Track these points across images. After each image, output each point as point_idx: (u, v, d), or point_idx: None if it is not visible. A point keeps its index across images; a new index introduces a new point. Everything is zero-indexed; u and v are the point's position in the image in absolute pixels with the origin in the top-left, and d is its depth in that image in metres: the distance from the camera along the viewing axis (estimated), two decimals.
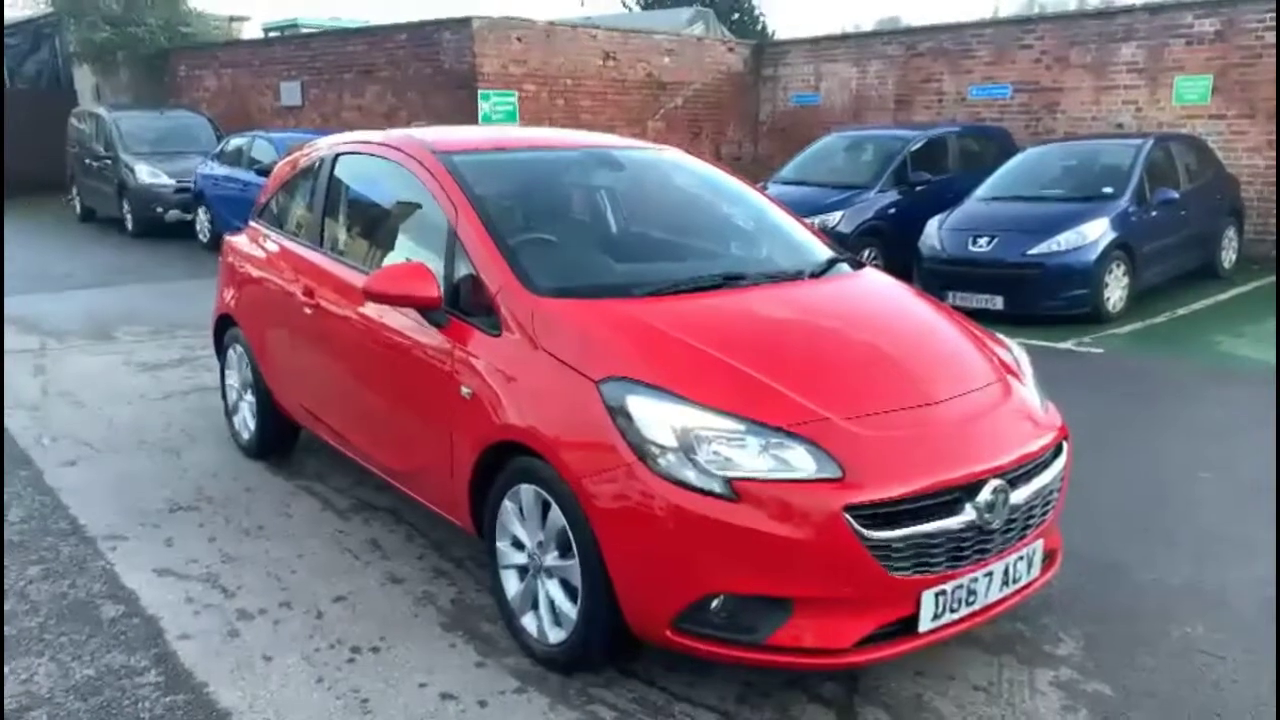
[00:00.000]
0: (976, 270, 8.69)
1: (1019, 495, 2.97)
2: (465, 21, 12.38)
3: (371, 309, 3.78)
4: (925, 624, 2.81)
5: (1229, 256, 10.46)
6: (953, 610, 2.87)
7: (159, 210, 13.44)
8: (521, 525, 3.17)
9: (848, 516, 2.66)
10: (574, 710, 2.96)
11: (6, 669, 3.16)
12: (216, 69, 16.73)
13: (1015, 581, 3.04)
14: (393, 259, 3.86)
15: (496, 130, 5.29)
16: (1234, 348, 7.77)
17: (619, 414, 2.81)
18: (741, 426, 2.75)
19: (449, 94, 12.78)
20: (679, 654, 2.88)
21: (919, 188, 10.55)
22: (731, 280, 3.54)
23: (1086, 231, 8.50)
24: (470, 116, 12.48)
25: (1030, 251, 8.48)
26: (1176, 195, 9.14)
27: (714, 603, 2.74)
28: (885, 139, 11.24)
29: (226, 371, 5.31)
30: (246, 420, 5.09)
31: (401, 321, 3.62)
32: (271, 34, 19.36)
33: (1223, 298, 9.58)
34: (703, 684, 3.05)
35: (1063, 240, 8.45)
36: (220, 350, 5.35)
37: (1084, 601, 3.65)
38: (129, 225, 13.79)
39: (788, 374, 2.98)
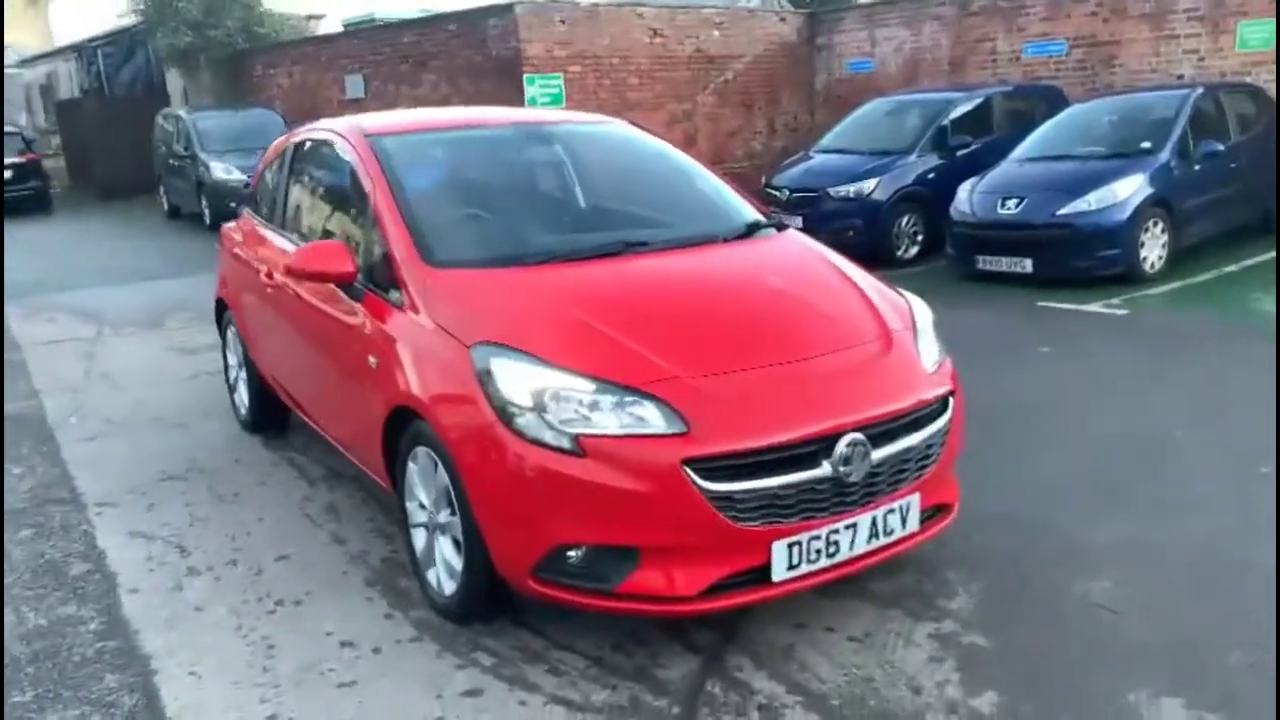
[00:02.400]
0: (1005, 233, 8.49)
1: (886, 450, 3.01)
2: (508, 8, 12.58)
3: (312, 287, 4.01)
4: (779, 574, 2.89)
5: None
6: (810, 561, 2.93)
7: (232, 204, 14.05)
8: (422, 486, 3.35)
9: (687, 470, 2.76)
10: (458, 657, 3.14)
11: None
12: (288, 66, 17.39)
13: (888, 534, 3.08)
14: (323, 236, 4.08)
15: (440, 112, 5.43)
16: (1270, 307, 7.42)
17: (484, 376, 2.96)
18: (593, 386, 2.87)
19: (496, 80, 13.03)
20: (555, 605, 3.03)
21: (960, 152, 10.30)
22: (634, 247, 3.64)
23: (1118, 189, 8.20)
24: (517, 101, 12.71)
25: (1060, 212, 8.24)
26: (1221, 148, 8.72)
27: (570, 553, 2.88)
28: (926, 103, 11.00)
29: (227, 352, 5.65)
30: (243, 397, 5.43)
31: (329, 297, 3.84)
32: (350, 29, 19.98)
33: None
34: (586, 634, 3.19)
35: (1093, 199, 8.18)
36: (222, 332, 5.69)
37: (999, 557, 3.65)
38: (206, 219, 14.52)
39: (653, 336, 3.08)
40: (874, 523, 3.03)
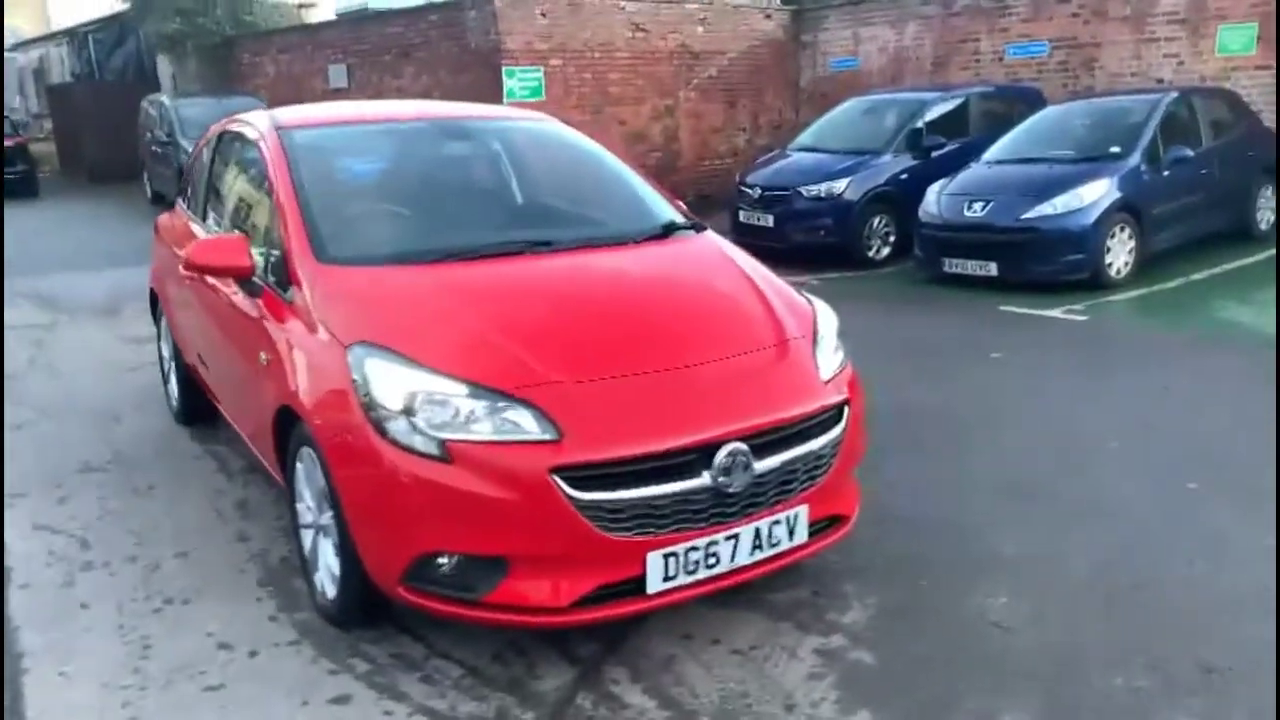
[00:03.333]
0: (970, 235, 8.41)
1: (770, 461, 2.94)
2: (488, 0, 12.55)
3: (218, 280, 3.94)
4: (654, 585, 2.82)
5: (1266, 216, 9.81)
6: (689, 572, 2.86)
7: None
8: (308, 486, 3.29)
9: (555, 478, 2.69)
10: (334, 663, 3.07)
11: None
12: (274, 55, 17.32)
13: (774, 546, 3.01)
14: (236, 229, 4.02)
15: (357, 106, 5.34)
16: (1235, 315, 7.33)
17: (358, 377, 2.89)
18: (465, 390, 2.80)
19: (475, 72, 12.95)
20: (427, 614, 2.96)
21: (935, 153, 10.20)
22: (537, 247, 3.57)
23: (1084, 194, 8.12)
24: (496, 94, 12.63)
25: (1024, 216, 8.16)
26: (1191, 154, 8.63)
27: (440, 560, 2.81)
28: (902, 102, 10.91)
29: (160, 343, 5.59)
30: (173, 388, 5.37)
31: (232, 291, 3.78)
32: (336, 19, 19.88)
33: (1248, 261, 9.01)
34: (467, 643, 3.12)
35: (1059, 203, 8.10)
36: (156, 322, 5.63)
37: (900, 568, 3.58)
38: None
39: (537, 339, 3.02)
40: (758, 534, 2.96)
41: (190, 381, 5.07)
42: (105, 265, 10.83)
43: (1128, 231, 8.31)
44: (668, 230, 3.91)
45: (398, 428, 2.78)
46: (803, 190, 10.04)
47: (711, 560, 2.90)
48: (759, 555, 2.99)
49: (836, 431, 3.16)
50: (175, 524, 4.13)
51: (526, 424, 2.77)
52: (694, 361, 3.05)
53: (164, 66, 20.60)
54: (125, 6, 20.52)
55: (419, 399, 2.78)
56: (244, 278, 3.59)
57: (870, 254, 10.00)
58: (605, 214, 4.05)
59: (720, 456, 2.82)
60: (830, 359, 3.33)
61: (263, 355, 3.43)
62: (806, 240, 10.04)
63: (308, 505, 3.32)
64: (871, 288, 8.94)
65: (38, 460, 4.92)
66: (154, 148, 15.84)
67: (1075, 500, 4.12)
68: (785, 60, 15.10)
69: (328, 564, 3.19)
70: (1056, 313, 7.44)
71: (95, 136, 20.54)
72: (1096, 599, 3.34)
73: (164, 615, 3.39)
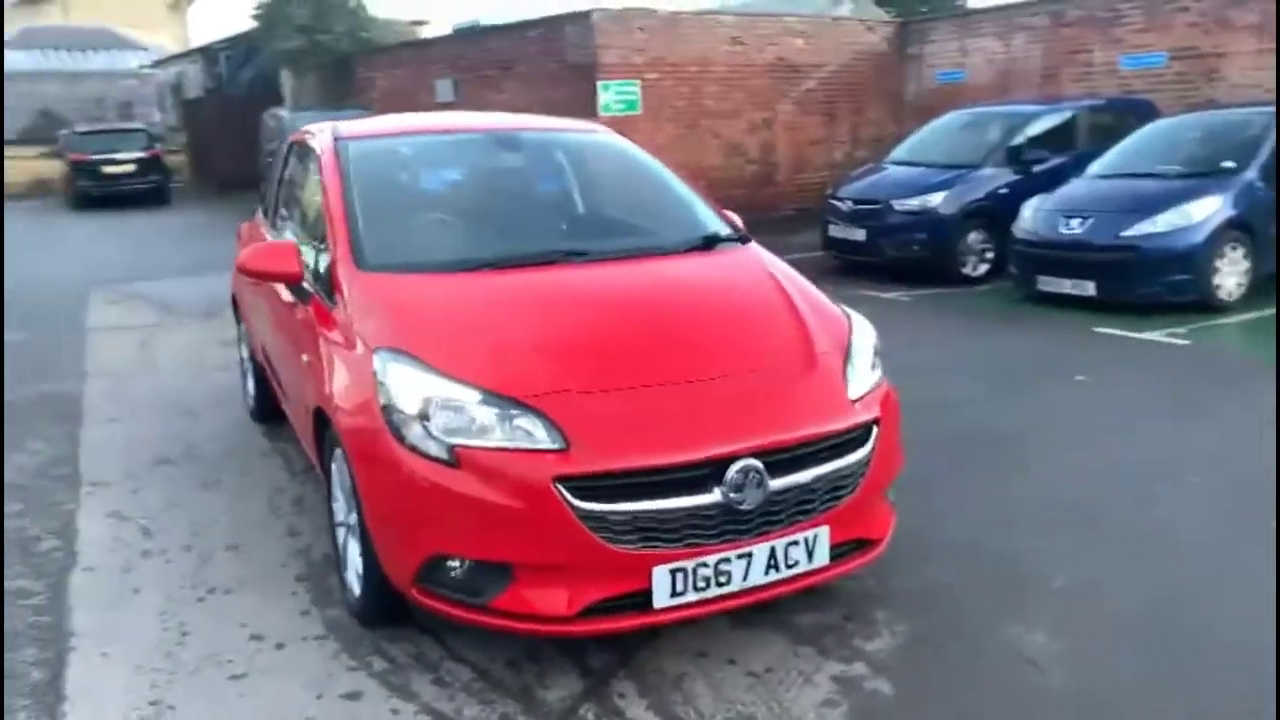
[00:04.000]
0: (1066, 253, 8.07)
1: (787, 479, 2.87)
2: (585, 15, 12.68)
3: (280, 286, 4.08)
4: (661, 600, 2.79)
5: None
6: (698, 589, 2.82)
7: None
8: (339, 486, 3.37)
9: (559, 487, 2.69)
10: (353, 659, 3.14)
11: None
12: (387, 70, 17.93)
13: (791, 567, 2.94)
14: (297, 237, 4.16)
15: (419, 118, 5.43)
16: None
17: (380, 382, 2.95)
18: (478, 396, 2.83)
19: (573, 86, 13.13)
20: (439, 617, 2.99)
21: (1037, 167, 9.86)
22: (573, 256, 3.59)
23: (1192, 211, 7.72)
24: (592, 108, 12.78)
25: (1125, 233, 7.80)
26: None
27: (451, 564, 2.84)
28: (1004, 115, 10.57)
29: (241, 344, 5.83)
30: (249, 387, 5.58)
31: (288, 297, 3.91)
32: (449, 35, 20.45)
33: None
34: (483, 647, 3.13)
35: (1162, 221, 7.71)
36: (237, 324, 5.87)
37: (939, 596, 3.46)
38: None
39: (557, 348, 3.03)
40: (773, 554, 2.90)
41: (262, 381, 5.27)
42: (216, 271, 11.30)
43: (1240, 251, 7.86)
44: (710, 242, 3.88)
45: (413, 432, 2.82)
46: (895, 204, 9.83)
47: (723, 578, 2.84)
48: (775, 576, 2.92)
49: (863, 452, 3.07)
50: (233, 517, 4.29)
51: (535, 432, 2.78)
52: (714, 375, 3.02)
53: (287, 81, 21.54)
54: (254, 25, 21.55)
55: (433, 404, 2.83)
56: (293, 283, 3.72)
57: (966, 271, 9.71)
58: (649, 225, 4.05)
59: (732, 473, 2.78)
60: (863, 376, 3.24)
61: (304, 357, 3.54)
62: (899, 255, 9.82)
63: (340, 504, 3.40)
64: (962, 305, 8.68)
65: (122, 453, 5.18)
66: (269, 159, 16.54)
67: (1139, 535, 3.90)
68: (888, 73, 14.84)
69: (354, 563, 3.26)
70: (1155, 336, 7.08)
71: (223, 148, 21.63)
72: (1144, 640, 3.16)
73: (205, 604, 3.52)
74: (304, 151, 4.50)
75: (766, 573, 2.90)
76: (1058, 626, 3.23)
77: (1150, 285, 7.70)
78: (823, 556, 3.00)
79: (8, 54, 31.79)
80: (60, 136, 23.44)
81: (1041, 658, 3.06)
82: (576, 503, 2.69)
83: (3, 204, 7.23)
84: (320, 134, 4.26)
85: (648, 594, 2.78)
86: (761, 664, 3.06)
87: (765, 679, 2.99)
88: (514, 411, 2.80)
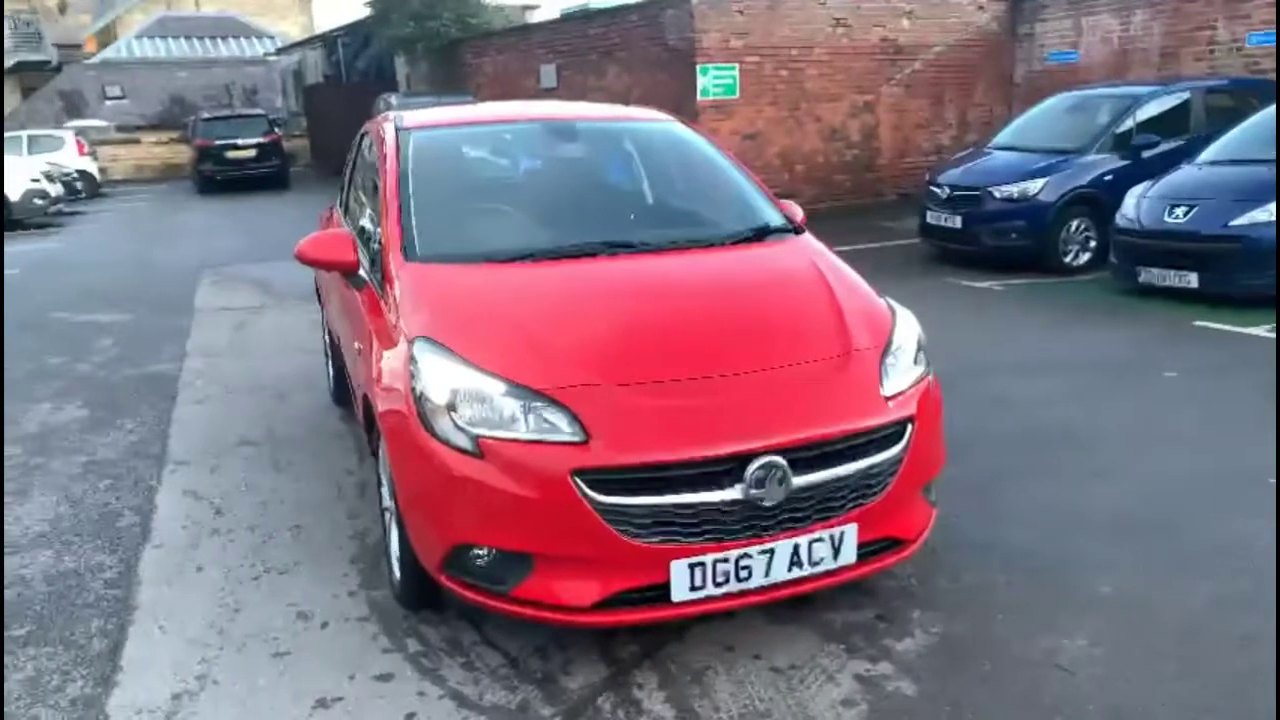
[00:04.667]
0: (1169, 243, 7.68)
1: (812, 476, 2.84)
2: None
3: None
4: (680, 594, 2.80)
5: None
6: (718, 584, 2.82)
7: None
8: (384, 472, 3.47)
9: (577, 480, 2.72)
10: (391, 641, 3.24)
11: (21, 558, 3.96)
12: (493, 55, 18.21)
13: (815, 565, 2.91)
14: (364, 225, 4.28)
15: (483, 108, 5.42)
16: None
17: (413, 371, 3.03)
18: (503, 388, 2.88)
19: (671, 70, 13.09)
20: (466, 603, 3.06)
21: (1146, 152, 9.38)
22: (617, 248, 3.60)
23: None
24: (691, 92, 12.73)
25: (1233, 223, 7.38)
26: None
27: (477, 552, 2.90)
28: (1112, 97, 10.07)
29: (323, 328, 6.04)
30: (329, 371, 5.79)
31: (345, 284, 4.04)
32: (553, 20, 20.62)
33: None
34: (516, 634, 3.19)
35: (1274, 209, 7.26)
36: (321, 308, 6.08)
37: (979, 598, 3.37)
38: None
39: (587, 340, 3.06)
40: (796, 551, 2.87)
41: (339, 364, 5.45)
42: None
43: None
44: (760, 234, 3.84)
45: (441, 422, 2.89)
46: (994, 190, 9.51)
47: (744, 573, 2.83)
48: (798, 572, 2.89)
49: (895, 450, 3.00)
50: (299, 499, 4.46)
51: (558, 424, 2.81)
52: (743, 369, 2.99)
53: (400, 68, 22.11)
54: (370, 12, 22.17)
55: (460, 395, 2.89)
56: (350, 271, 3.83)
57: (1067, 260, 9.35)
58: (700, 216, 4.03)
59: (752, 469, 2.76)
60: (902, 372, 3.17)
61: (357, 345, 3.65)
62: (996, 244, 9.50)
63: (385, 490, 3.50)
64: (1058, 296, 8.35)
65: (206, 432, 5.45)
66: None
67: (1204, 542, 3.72)
68: (999, 54, 14.33)
69: (394, 547, 3.36)
70: (1259, 331, 6.68)
71: (341, 133, 22.23)
72: (1189, 652, 3.01)
73: (260, 583, 3.68)
74: (372, 141, 4.63)
75: (790, 569, 2.88)
76: (1098, 634, 3.11)
77: (1258, 278, 7.24)
78: (850, 554, 2.95)
79: (141, 43, 33.56)
80: (188, 123, 24.65)
81: (1075, 664, 2.96)
82: (594, 495, 2.71)
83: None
84: (387, 124, 4.36)
85: (666, 587, 2.79)
86: (787, 660, 3.04)
87: (787, 675, 2.97)
88: (537, 404, 2.84)
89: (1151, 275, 7.81)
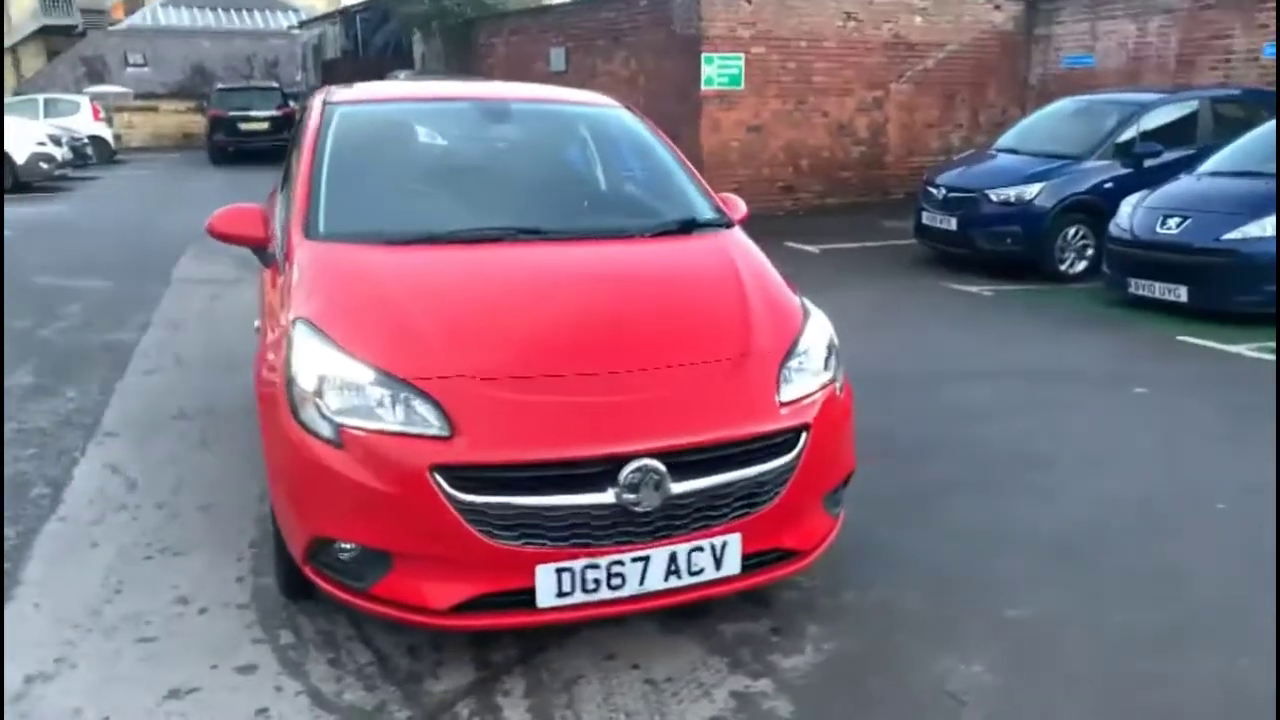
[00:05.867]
0: (1160, 255, 7.46)
1: (692, 483, 2.69)
2: None
3: None
4: (545, 600, 2.66)
5: None
6: (588, 591, 2.67)
7: None
8: None
9: (436, 476, 2.59)
10: (265, 632, 3.12)
11: None
12: (505, 37, 18.05)
13: (695, 575, 2.76)
14: (284, 201, 4.15)
15: (416, 85, 5.24)
16: None
17: (288, 354, 2.90)
18: (372, 375, 2.75)
19: (676, 58, 12.89)
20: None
21: (1149, 161, 9.11)
22: (524, 234, 3.46)
23: None
24: (695, 80, 12.54)
25: (1225, 236, 7.15)
26: None
27: (338, 545, 2.77)
28: (1117, 104, 9.81)
29: None
30: None
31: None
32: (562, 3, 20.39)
33: None
34: (392, 631, 3.04)
35: (1269, 224, 7.03)
36: None
37: (879, 617, 3.23)
38: None
39: (467, 329, 2.93)
40: (674, 559, 2.72)
41: None
42: None
43: None
44: (686, 227, 3.69)
45: (307, 409, 2.76)
46: (990, 194, 9.29)
47: (616, 581, 2.69)
48: (676, 582, 2.75)
49: (786, 458, 2.85)
50: (217, 477, 4.36)
51: (427, 417, 2.67)
52: (628, 367, 2.85)
53: (416, 45, 21.98)
54: None
55: (328, 381, 2.76)
56: (260, 247, 3.71)
57: (1063, 268, 9.13)
58: (625, 205, 3.89)
59: (626, 472, 2.61)
60: (805, 378, 3.02)
61: (256, 323, 3.53)
62: (991, 248, 9.29)
63: None
64: (1044, 305, 8.14)
65: (147, 405, 5.36)
66: None
67: (1134, 566, 3.55)
68: (1013, 55, 14.05)
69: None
70: (1241, 349, 6.46)
71: None
72: (1091, 684, 2.85)
73: (151, 564, 3.57)
74: (304, 116, 4.50)
75: (667, 578, 2.73)
76: (999, 660, 2.96)
77: (1249, 294, 7.02)
78: (733, 565, 2.80)
79: (166, 11, 33.61)
80: (206, 93, 24.69)
81: (966, 691, 2.80)
82: (453, 493, 2.58)
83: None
84: (318, 98, 4.24)
85: (532, 593, 2.66)
86: (665, 671, 2.90)
87: (660, 688, 2.83)
88: (405, 394, 2.70)
89: (1142, 287, 7.60)
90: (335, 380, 2.75)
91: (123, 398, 5.49)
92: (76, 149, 19.62)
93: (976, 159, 10.26)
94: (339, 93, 4.21)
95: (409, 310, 2.98)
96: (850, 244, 10.99)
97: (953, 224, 9.52)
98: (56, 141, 17.87)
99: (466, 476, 2.59)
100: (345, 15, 25.87)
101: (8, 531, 3.82)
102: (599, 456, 2.63)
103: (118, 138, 24.98)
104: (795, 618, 3.19)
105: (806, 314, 3.26)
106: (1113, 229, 8.01)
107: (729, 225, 3.78)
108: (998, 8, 13.94)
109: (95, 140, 22.07)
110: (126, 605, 3.27)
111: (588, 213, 3.76)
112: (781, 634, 3.11)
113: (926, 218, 9.84)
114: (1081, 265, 9.14)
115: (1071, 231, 9.12)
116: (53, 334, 6.96)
